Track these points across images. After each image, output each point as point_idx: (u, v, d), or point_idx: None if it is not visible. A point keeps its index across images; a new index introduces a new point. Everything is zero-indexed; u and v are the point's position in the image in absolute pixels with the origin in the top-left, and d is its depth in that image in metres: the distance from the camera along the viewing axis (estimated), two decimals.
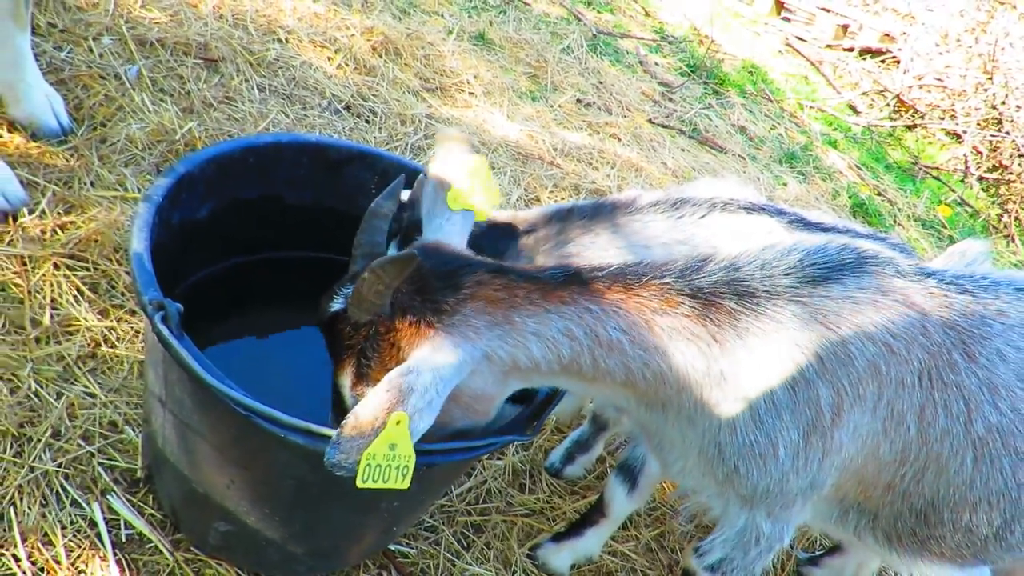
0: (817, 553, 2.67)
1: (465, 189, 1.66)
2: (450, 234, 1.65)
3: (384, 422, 1.27)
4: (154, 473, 1.87)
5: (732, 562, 1.72)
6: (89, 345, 2.14)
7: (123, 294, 2.30)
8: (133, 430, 2.03)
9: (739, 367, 1.50)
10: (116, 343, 2.18)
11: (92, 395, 2.05)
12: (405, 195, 1.93)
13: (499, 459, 2.52)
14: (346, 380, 1.52)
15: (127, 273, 2.33)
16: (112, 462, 1.95)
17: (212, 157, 1.81)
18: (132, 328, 2.23)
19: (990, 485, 1.61)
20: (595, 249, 2.00)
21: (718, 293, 1.51)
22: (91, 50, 3.02)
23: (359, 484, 1.30)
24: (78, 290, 2.23)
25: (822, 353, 1.50)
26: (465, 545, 2.24)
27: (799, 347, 1.50)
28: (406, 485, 1.34)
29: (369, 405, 1.29)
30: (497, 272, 1.46)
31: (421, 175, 1.94)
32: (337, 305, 1.51)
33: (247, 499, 1.64)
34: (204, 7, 3.59)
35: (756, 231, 2.07)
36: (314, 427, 1.41)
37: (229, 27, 3.56)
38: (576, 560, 2.27)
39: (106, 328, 2.19)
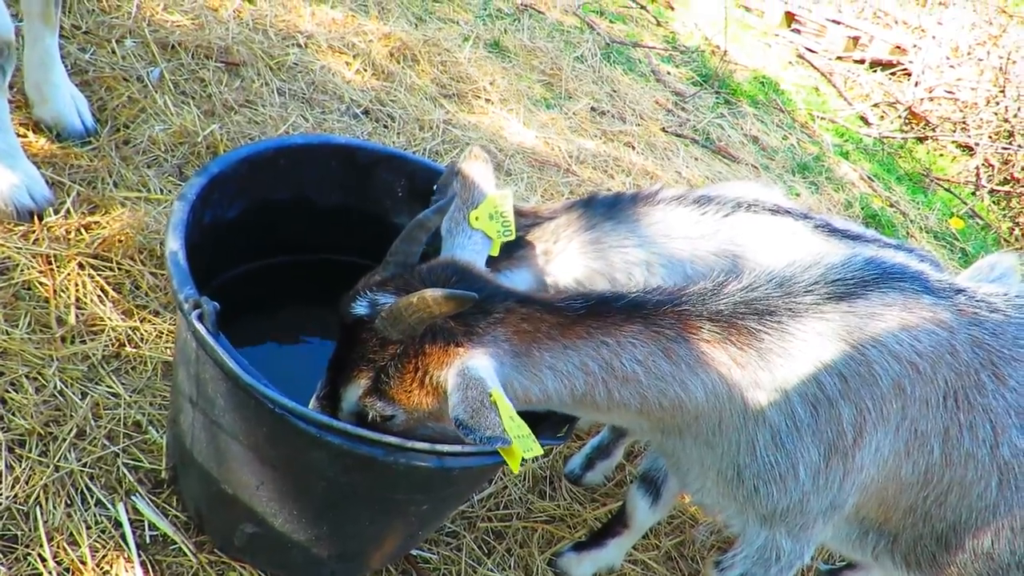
0: (838, 565, 2.65)
1: (487, 213, 1.67)
2: (472, 253, 1.65)
3: (492, 400, 1.27)
4: (179, 474, 1.86)
5: None
6: (113, 345, 2.13)
7: (147, 295, 2.29)
8: (157, 431, 2.02)
9: (760, 389, 1.48)
10: (140, 344, 2.18)
11: (116, 395, 2.05)
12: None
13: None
14: (356, 389, 1.49)
15: (151, 274, 2.33)
16: (136, 463, 1.95)
17: (244, 157, 1.81)
18: (156, 329, 2.23)
19: (1015, 512, 1.58)
20: (615, 236, 1.98)
21: (738, 314, 1.49)
22: (114, 52, 3.03)
23: (524, 455, 1.29)
24: (102, 290, 2.23)
25: (845, 372, 1.47)
26: (486, 551, 2.22)
27: (822, 366, 1.47)
28: (541, 450, 1.34)
29: (463, 403, 1.28)
30: (524, 302, 1.46)
31: (446, 172, 1.94)
32: (361, 309, 1.48)
33: (276, 500, 1.63)
34: (225, 11, 3.60)
35: (780, 232, 2.05)
36: (350, 428, 1.41)
37: (249, 31, 3.57)
38: (597, 571, 2.25)
39: (130, 328, 2.19)
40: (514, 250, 1.98)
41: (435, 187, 1.98)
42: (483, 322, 1.40)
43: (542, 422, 1.69)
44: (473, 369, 1.32)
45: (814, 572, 2.65)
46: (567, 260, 1.95)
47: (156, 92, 2.96)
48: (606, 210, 1.99)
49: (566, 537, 2.36)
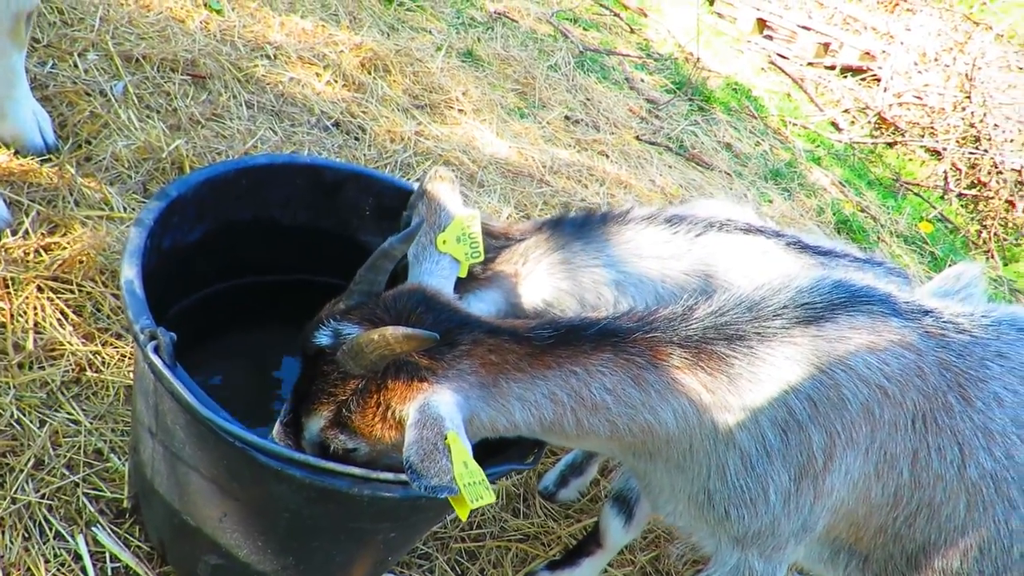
0: None
1: (455, 235, 1.65)
2: (439, 278, 1.63)
3: (446, 444, 1.25)
4: (142, 504, 1.82)
5: None
6: (73, 370, 2.08)
7: (109, 317, 2.24)
8: (119, 458, 1.97)
9: (730, 414, 1.48)
10: (101, 368, 2.12)
11: (76, 422, 1.99)
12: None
13: (492, 483, 2.48)
14: (319, 421, 1.46)
15: (113, 295, 2.28)
16: (97, 492, 1.90)
17: (205, 179, 1.78)
18: (118, 352, 2.18)
19: (982, 532, 1.59)
20: (584, 257, 1.97)
21: (708, 339, 1.48)
22: (76, 66, 2.97)
23: (471, 506, 1.26)
24: (62, 313, 2.17)
25: (815, 396, 1.47)
26: (459, 572, 2.20)
27: (791, 390, 1.47)
28: (493, 498, 1.32)
29: (416, 444, 1.25)
30: (491, 332, 1.44)
31: (415, 193, 1.92)
32: (324, 339, 1.45)
33: (240, 532, 1.60)
34: (191, 22, 3.55)
35: (752, 251, 2.06)
36: (312, 460, 1.38)
37: (217, 43, 3.52)
38: None
39: (91, 352, 2.13)
40: (485, 270, 1.97)
41: (406, 207, 1.96)
42: (449, 355, 1.38)
43: (511, 446, 1.67)
44: (433, 407, 1.30)
45: None
46: (536, 281, 1.94)
47: (120, 106, 2.90)
48: (575, 230, 1.98)
49: (540, 555, 2.34)
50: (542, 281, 1.93)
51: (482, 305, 1.91)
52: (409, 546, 2.04)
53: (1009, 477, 1.56)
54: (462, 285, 1.92)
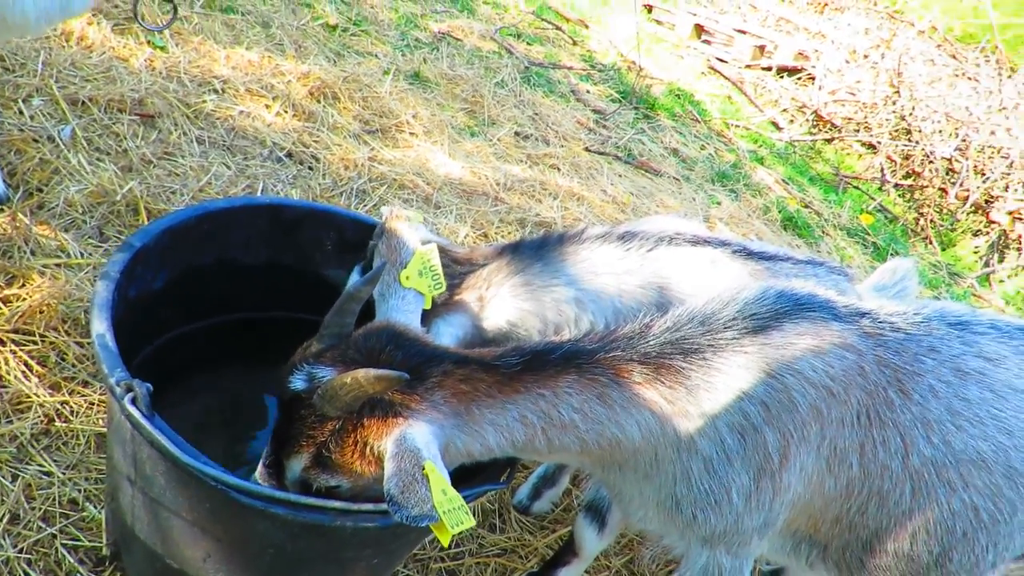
0: (780, 566, 2.77)
1: (416, 270, 1.72)
2: (406, 313, 1.69)
3: (424, 474, 1.31)
4: (122, 550, 1.83)
5: None
6: (42, 422, 2.08)
7: (74, 365, 2.24)
8: (95, 506, 1.98)
9: (691, 423, 1.57)
10: (71, 417, 2.13)
11: (49, 474, 1.99)
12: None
13: (471, 502, 2.54)
14: (300, 462, 1.50)
15: (77, 343, 2.28)
16: (76, 542, 1.90)
17: (167, 228, 1.81)
18: (86, 400, 2.18)
19: (927, 515, 1.71)
20: (544, 277, 2.07)
21: (665, 354, 1.57)
22: (22, 112, 2.95)
23: (452, 532, 1.32)
24: (27, 365, 2.17)
25: (767, 400, 1.57)
26: None
27: (745, 396, 1.57)
28: (473, 522, 1.38)
29: (396, 476, 1.31)
30: (460, 363, 1.50)
31: (375, 232, 1.98)
32: (299, 383, 1.49)
33: (224, 570, 1.63)
34: (136, 61, 3.54)
35: (701, 262, 2.17)
36: (294, 497, 1.42)
37: (163, 80, 3.52)
38: None
39: (59, 403, 2.13)
40: (452, 296, 2.04)
41: (373, 238, 2.02)
42: (421, 388, 1.44)
43: (486, 467, 1.73)
44: (409, 439, 1.36)
45: (757, 574, 2.77)
46: (500, 304, 2.02)
47: (69, 151, 2.89)
48: (534, 252, 2.07)
49: (519, 568, 2.41)
50: (506, 303, 2.01)
51: (451, 329, 1.98)
52: (391, 570, 2.09)
53: (948, 462, 1.68)
54: (431, 311, 1.99)
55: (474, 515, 2.49)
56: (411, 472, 1.29)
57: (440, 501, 1.29)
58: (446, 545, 1.54)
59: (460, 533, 2.39)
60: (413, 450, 1.33)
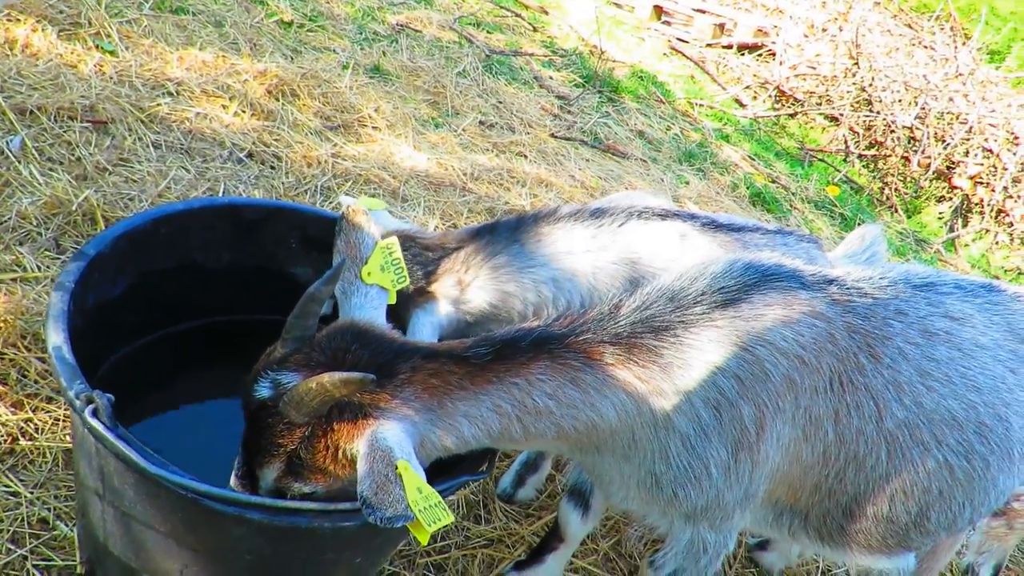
0: (765, 538, 2.79)
1: (378, 264, 1.68)
2: (370, 310, 1.66)
3: (397, 473, 1.28)
4: (96, 567, 1.78)
5: (685, 571, 1.80)
6: (6, 441, 2.02)
7: (37, 382, 2.18)
8: (66, 524, 1.92)
9: (666, 400, 1.56)
10: (35, 435, 2.06)
11: (16, 494, 1.94)
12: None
13: (449, 496, 2.52)
14: (272, 472, 1.47)
15: (38, 359, 2.21)
16: (48, 562, 1.85)
17: (122, 233, 1.75)
18: (51, 416, 2.12)
19: (903, 476, 1.72)
20: (521, 258, 2.05)
21: (637, 333, 1.56)
22: None
23: (430, 530, 1.29)
24: None
25: (740, 373, 1.57)
26: None
27: (718, 371, 1.56)
28: (451, 518, 1.36)
29: (368, 477, 1.28)
30: (430, 357, 1.47)
31: (335, 231, 1.94)
32: (264, 391, 1.44)
33: None
34: (84, 67, 3.44)
35: (671, 235, 2.17)
36: (268, 501, 1.39)
37: (114, 85, 3.43)
38: None
39: (23, 421, 2.07)
40: (429, 283, 2.01)
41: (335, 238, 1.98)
42: (390, 386, 1.41)
43: (464, 458, 1.71)
44: (381, 439, 1.33)
45: (744, 547, 2.79)
46: (480, 287, 2.00)
47: (19, 163, 2.80)
48: (510, 233, 2.05)
49: (506, 558, 2.39)
50: (486, 285, 1.99)
51: (431, 319, 1.95)
52: (376, 568, 2.06)
53: (920, 423, 1.69)
54: (410, 302, 1.95)
55: (458, 507, 2.48)
56: (384, 472, 1.26)
57: (415, 500, 1.26)
58: (424, 544, 1.51)
59: (441, 529, 2.38)
60: (385, 450, 1.30)
